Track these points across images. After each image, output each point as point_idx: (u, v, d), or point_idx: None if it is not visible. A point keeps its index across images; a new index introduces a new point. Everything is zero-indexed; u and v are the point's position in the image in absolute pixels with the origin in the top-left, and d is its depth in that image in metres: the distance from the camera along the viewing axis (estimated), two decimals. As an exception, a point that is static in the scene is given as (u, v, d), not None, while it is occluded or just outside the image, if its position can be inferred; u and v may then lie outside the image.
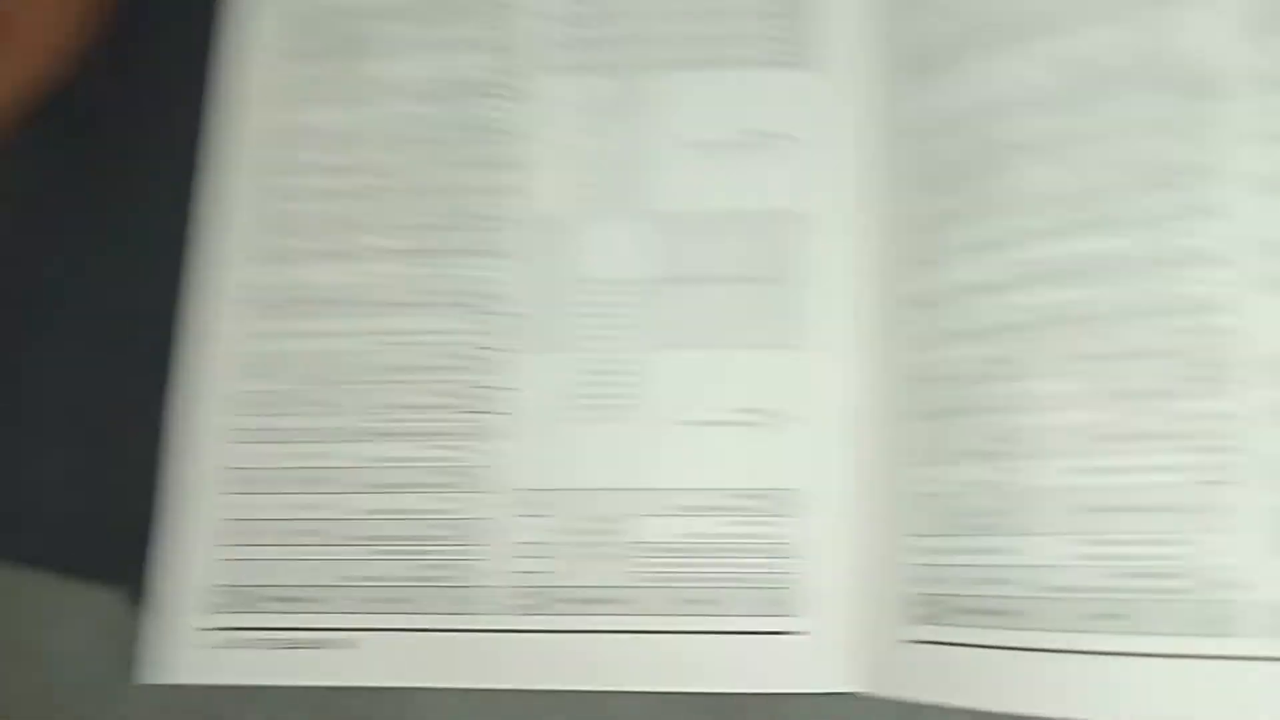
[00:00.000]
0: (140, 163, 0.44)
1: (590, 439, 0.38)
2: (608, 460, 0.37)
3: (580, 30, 0.41)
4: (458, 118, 0.41)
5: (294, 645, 0.37)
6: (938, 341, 0.35)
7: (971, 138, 0.35)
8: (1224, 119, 0.32)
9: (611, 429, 0.38)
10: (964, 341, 0.34)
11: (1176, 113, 0.33)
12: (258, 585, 0.38)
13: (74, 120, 0.44)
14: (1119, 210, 0.32)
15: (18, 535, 0.41)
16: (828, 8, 0.40)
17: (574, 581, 0.37)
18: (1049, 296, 0.33)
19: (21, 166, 0.44)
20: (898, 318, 0.36)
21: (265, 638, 0.37)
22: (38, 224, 0.44)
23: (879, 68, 0.39)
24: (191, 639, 0.38)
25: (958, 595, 0.33)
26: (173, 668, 0.37)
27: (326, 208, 0.41)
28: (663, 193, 0.39)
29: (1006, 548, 0.32)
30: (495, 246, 0.40)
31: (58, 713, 0.41)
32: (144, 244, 0.42)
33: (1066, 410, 0.32)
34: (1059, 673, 0.31)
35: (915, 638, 0.34)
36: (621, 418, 0.38)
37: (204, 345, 0.40)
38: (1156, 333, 0.31)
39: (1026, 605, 0.31)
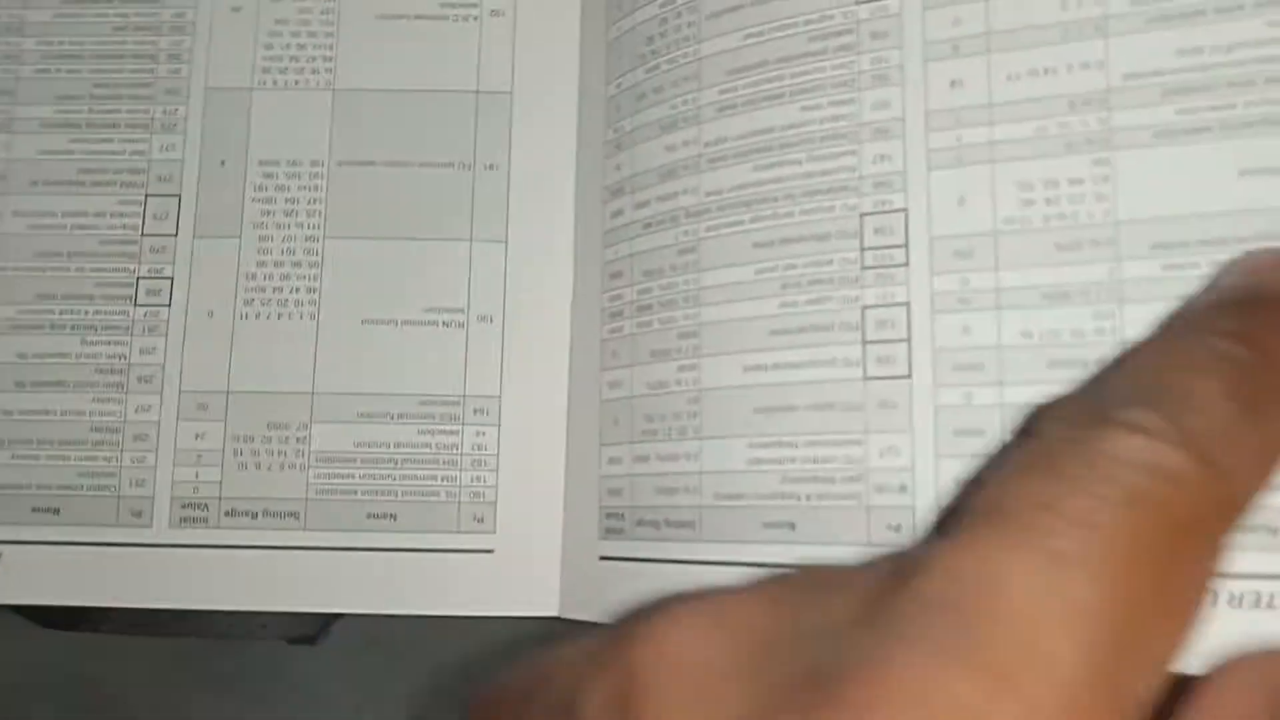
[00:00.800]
0: None
1: (261, 336, 0.34)
2: (281, 361, 0.34)
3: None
4: (122, -27, 0.36)
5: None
6: (632, 232, 0.32)
7: (660, 6, 0.33)
8: None
9: (285, 326, 0.34)
10: (654, 232, 0.31)
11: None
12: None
13: None
14: (797, 81, 0.30)
15: None
16: None
17: (242, 492, 0.34)
18: (729, 179, 0.30)
19: None
20: (596, 208, 0.33)
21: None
22: None
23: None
24: None
25: (641, 507, 0.31)
26: None
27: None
28: (346, 67, 0.36)
29: (685, 454, 0.30)
30: (160, 120, 0.35)
31: None
32: None
33: (742, 302, 0.30)
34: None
35: (606, 554, 0.32)
36: (296, 314, 0.34)
37: None
38: (825, 214, 0.29)
39: (704, 515, 0.30)
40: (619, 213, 0.33)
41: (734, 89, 0.30)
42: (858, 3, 0.29)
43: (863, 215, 0.28)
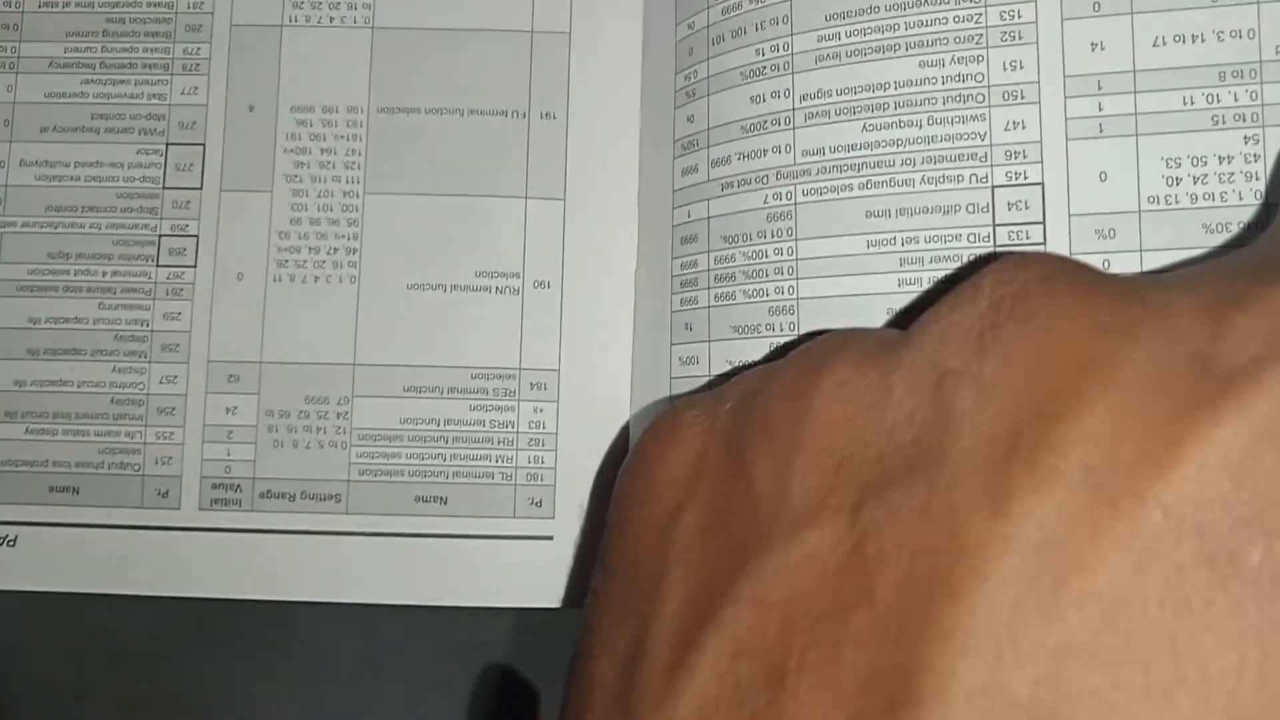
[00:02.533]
0: None
1: (296, 302, 0.31)
2: (318, 329, 0.31)
3: None
4: (136, -106, 0.33)
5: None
6: (708, 192, 0.29)
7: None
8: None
9: (322, 290, 0.31)
10: (736, 193, 0.28)
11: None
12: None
13: None
14: (913, 34, 0.27)
15: None
16: None
17: (278, 472, 0.31)
18: (832, 138, 0.27)
19: None
20: (664, 164, 0.30)
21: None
22: None
23: None
24: None
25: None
26: None
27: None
28: (387, 3, 0.32)
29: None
30: (180, 61, 0.32)
31: None
32: None
33: (851, 277, 0.26)
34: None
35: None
36: (335, 277, 0.31)
37: None
38: (951, 184, 0.26)
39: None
40: (692, 169, 0.29)
41: (835, 37, 0.27)
42: (982, -56, 0.26)
43: (995, 187, 0.25)
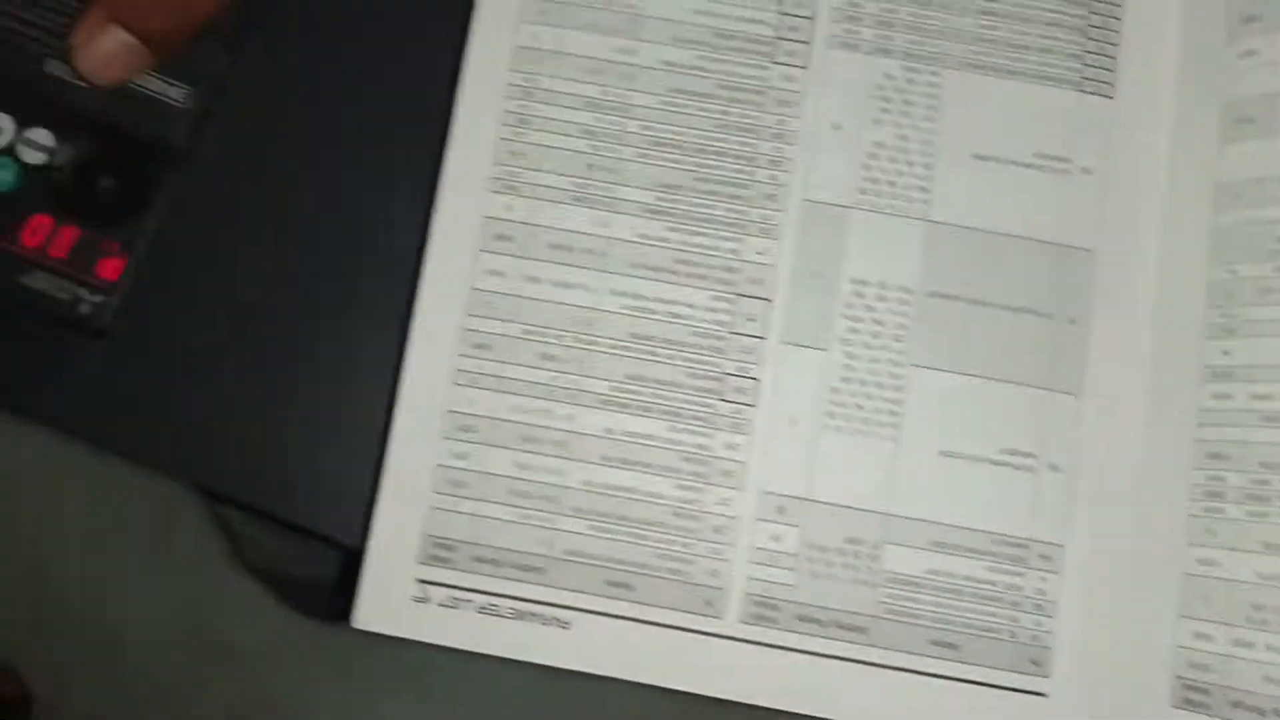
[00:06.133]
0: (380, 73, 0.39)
1: (842, 450, 0.36)
2: (859, 477, 0.36)
3: (879, 7, 0.38)
4: (732, 73, 0.38)
5: (499, 613, 0.35)
6: (1244, 420, 0.33)
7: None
8: None
9: (865, 444, 0.36)
10: (1269, 426, 0.33)
11: None
12: (468, 542, 0.36)
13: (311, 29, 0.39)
14: None
15: (254, 480, 0.37)
16: (1147, 38, 0.38)
17: (813, 600, 0.35)
18: None
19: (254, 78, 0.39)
20: (1189, 384, 0.35)
21: (471, 600, 0.35)
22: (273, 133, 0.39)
23: (1196, 113, 0.37)
24: (399, 590, 0.35)
25: (1237, 689, 0.32)
26: (381, 618, 0.35)
27: (574, 145, 0.37)
28: (945, 201, 0.37)
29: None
30: (760, 224, 0.37)
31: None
32: (385, 158, 0.38)
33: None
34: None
35: (1174, 722, 0.33)
36: (877, 434, 0.36)
37: (434, 277, 0.36)
38: None
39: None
40: (1225, 396, 0.34)
41: None
42: None
43: None
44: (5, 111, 0.37)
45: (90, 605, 0.39)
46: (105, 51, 0.35)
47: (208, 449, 0.37)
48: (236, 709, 0.38)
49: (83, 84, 0.35)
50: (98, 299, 0.36)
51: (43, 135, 0.37)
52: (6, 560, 0.38)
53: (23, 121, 0.37)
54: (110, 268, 0.36)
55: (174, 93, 0.37)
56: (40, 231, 0.36)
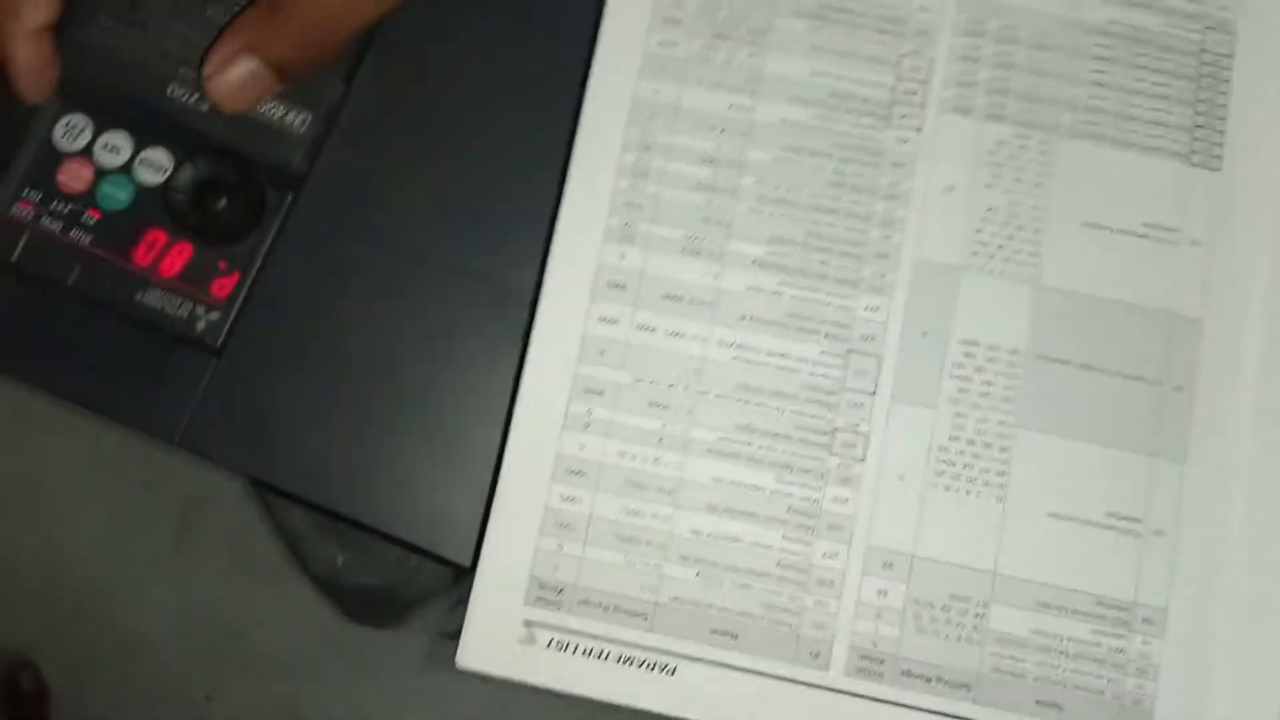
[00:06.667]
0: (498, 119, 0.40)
1: (949, 508, 0.36)
2: (966, 536, 0.36)
3: (993, 74, 0.39)
4: (848, 133, 0.39)
5: (605, 657, 0.35)
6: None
7: None
8: None
9: (972, 503, 0.36)
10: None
11: None
12: (575, 585, 0.36)
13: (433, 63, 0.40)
14: None
15: (367, 499, 0.38)
16: (1254, 112, 0.39)
17: (918, 655, 0.35)
18: None
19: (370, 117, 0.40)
20: (1296, 457, 0.35)
21: (577, 643, 0.35)
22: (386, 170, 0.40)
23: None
24: (505, 631, 0.35)
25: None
26: (486, 658, 0.35)
27: (689, 198, 0.38)
28: (1055, 265, 0.38)
29: None
30: (867, 281, 0.38)
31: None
32: (502, 194, 0.39)
33: None
34: None
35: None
36: (985, 494, 0.36)
37: (548, 322, 0.37)
38: None
39: None
40: (1334, 469, 0.34)
41: None
42: None
43: None
44: (126, 130, 0.38)
45: (110, 605, 0.39)
46: (236, 79, 0.36)
47: (324, 468, 0.37)
48: (256, 711, 0.38)
49: (203, 108, 0.36)
50: (213, 316, 0.37)
51: (160, 155, 0.37)
52: (31, 557, 0.39)
53: (141, 142, 0.37)
54: (223, 286, 0.37)
55: (292, 118, 0.37)
56: (154, 250, 0.37)
